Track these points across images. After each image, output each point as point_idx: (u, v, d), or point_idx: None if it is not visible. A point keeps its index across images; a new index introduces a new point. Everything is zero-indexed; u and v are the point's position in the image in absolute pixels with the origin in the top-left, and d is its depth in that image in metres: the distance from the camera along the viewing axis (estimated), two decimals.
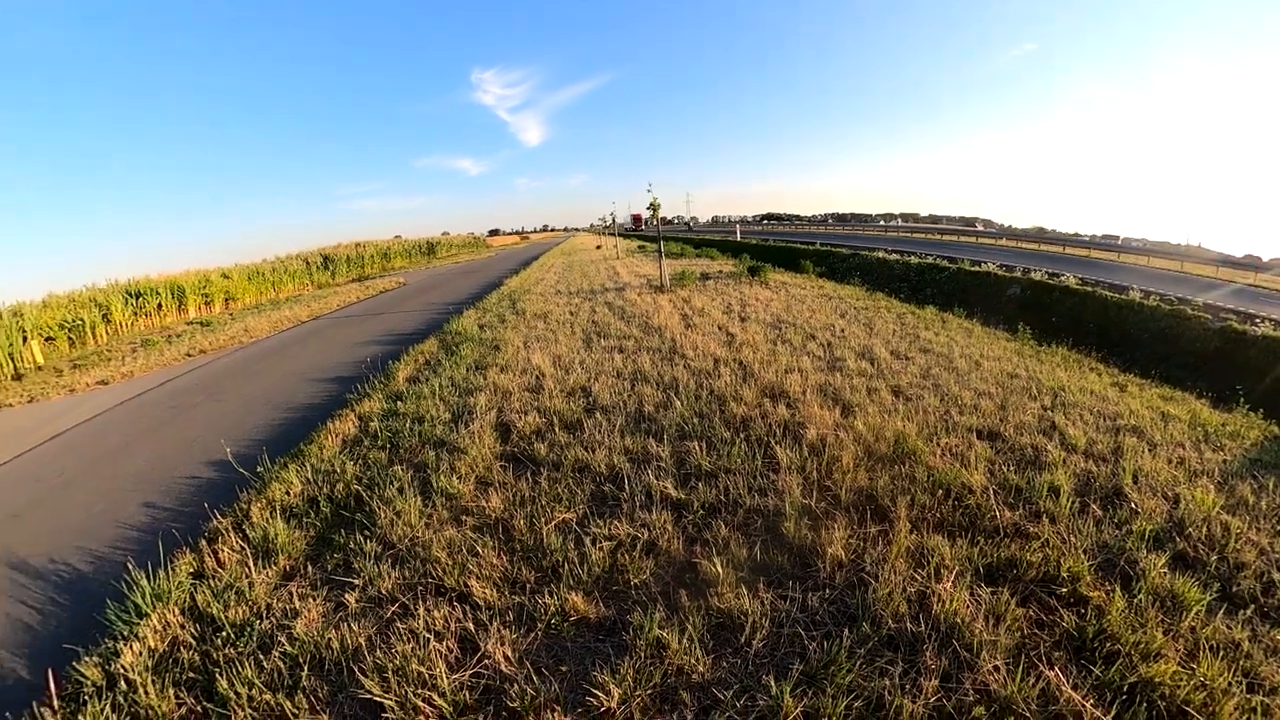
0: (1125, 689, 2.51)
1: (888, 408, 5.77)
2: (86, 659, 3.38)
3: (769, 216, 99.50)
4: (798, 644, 2.84)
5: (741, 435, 5.16)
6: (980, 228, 43.12)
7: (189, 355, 14.25)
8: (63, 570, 4.93)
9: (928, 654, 2.68)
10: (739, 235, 48.29)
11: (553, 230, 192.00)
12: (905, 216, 65.96)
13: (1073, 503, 3.88)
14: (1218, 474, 4.49)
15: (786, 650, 2.82)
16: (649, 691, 2.65)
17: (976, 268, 17.71)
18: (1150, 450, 4.85)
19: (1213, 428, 5.68)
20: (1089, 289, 14.23)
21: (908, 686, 2.55)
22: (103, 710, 2.94)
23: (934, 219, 60.57)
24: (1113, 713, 2.42)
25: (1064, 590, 3.11)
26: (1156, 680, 2.53)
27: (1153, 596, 3.05)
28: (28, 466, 7.75)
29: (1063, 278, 15.41)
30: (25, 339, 15.87)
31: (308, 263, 33.35)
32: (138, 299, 21.33)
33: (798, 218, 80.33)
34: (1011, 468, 4.44)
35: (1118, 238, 30.91)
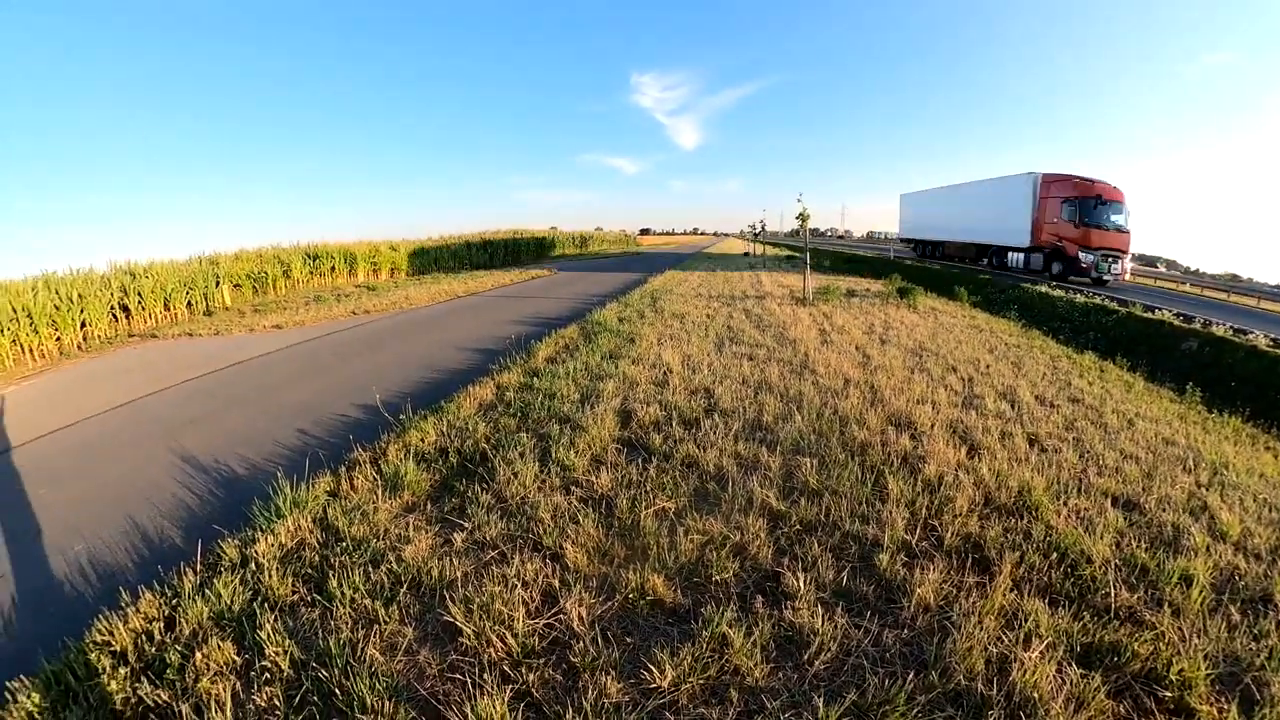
0: None
1: (1019, 455, 5.41)
2: (229, 540, 4.08)
3: None
4: (859, 675, 2.83)
5: (857, 459, 5.08)
6: (1161, 269, 37.98)
7: (354, 313, 16.02)
8: (223, 469, 5.88)
9: None
10: (893, 254, 45.88)
11: (702, 233, 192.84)
12: None
13: (1206, 598, 3.46)
14: None
15: (846, 679, 2.81)
16: (701, 681, 2.76)
17: (1149, 314, 15.72)
18: None
19: None
20: None
21: None
22: (233, 581, 3.53)
23: None
24: None
25: (1168, 694, 2.79)
26: None
27: None
28: (208, 385, 9.20)
29: (1250, 335, 13.30)
30: (218, 283, 18.65)
31: (469, 245, 35.71)
32: (314, 260, 24.09)
33: None
34: (1143, 544, 4.03)
35: None
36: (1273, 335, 13.45)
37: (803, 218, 15.66)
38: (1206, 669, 2.92)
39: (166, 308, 16.74)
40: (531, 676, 2.80)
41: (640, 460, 5.09)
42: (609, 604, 3.32)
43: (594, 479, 4.69)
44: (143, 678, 2.90)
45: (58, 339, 13.19)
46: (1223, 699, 2.82)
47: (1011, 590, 3.44)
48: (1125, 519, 4.40)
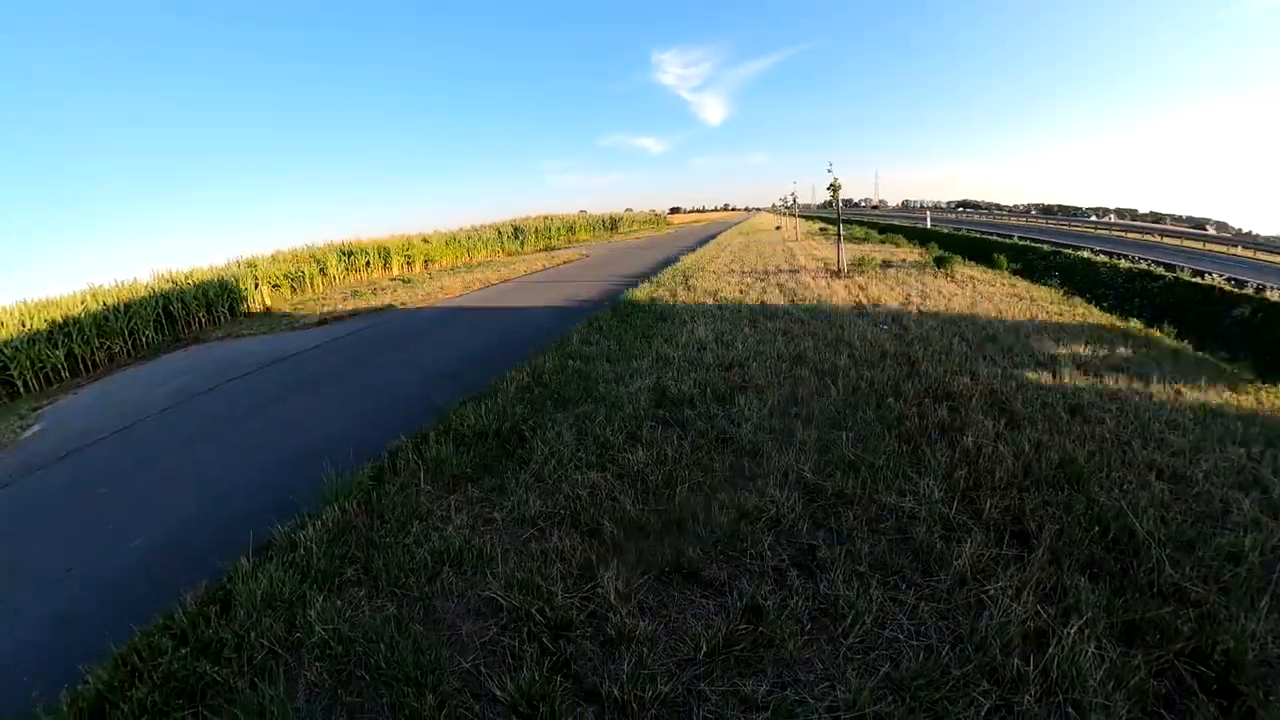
0: None
1: (1060, 426, 5.29)
2: (279, 525, 4.25)
3: (964, 204, 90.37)
4: (893, 649, 2.84)
5: (894, 432, 5.03)
6: (1211, 231, 36.21)
7: (390, 306, 16.36)
8: (269, 459, 6.12)
9: (1028, 698, 2.53)
10: (929, 222, 44.70)
11: (733, 209, 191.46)
12: (1120, 212, 56.96)
13: (1255, 576, 3.36)
14: None
15: (880, 652, 2.83)
16: (736, 653, 2.81)
17: (1198, 279, 15.09)
18: None
19: None
20: None
21: None
22: (283, 564, 3.71)
23: (1155, 217, 51.70)
24: None
25: (1211, 674, 2.71)
26: None
27: None
28: (260, 380, 9.49)
29: None
30: (257, 285, 19.07)
31: (499, 232, 35.88)
32: (349, 257, 24.52)
33: (997, 207, 72.11)
34: (1189, 518, 3.92)
35: None
36: None
37: (834, 188, 15.40)
38: (1253, 650, 2.82)
39: (209, 311, 17.21)
40: (570, 648, 2.88)
41: (675, 436, 5.13)
42: (645, 578, 3.38)
43: (630, 455, 4.75)
44: (202, 658, 3.07)
45: (107, 348, 13.68)
46: (1269, 681, 2.72)
47: (1051, 564, 3.40)
48: (1171, 491, 4.28)
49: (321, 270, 22.72)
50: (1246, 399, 6.98)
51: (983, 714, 2.48)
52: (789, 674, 2.72)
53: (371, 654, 2.95)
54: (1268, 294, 13.24)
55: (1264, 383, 8.32)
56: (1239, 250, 28.71)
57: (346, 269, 24.18)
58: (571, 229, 43.69)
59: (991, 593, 3.15)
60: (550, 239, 40.32)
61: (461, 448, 5.22)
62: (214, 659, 3.05)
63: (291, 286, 21.13)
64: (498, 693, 2.65)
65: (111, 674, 3.03)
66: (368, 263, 25.25)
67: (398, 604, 3.32)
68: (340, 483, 4.68)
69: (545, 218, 41.45)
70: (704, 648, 2.81)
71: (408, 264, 27.62)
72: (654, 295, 12.79)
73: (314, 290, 21.80)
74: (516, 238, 36.89)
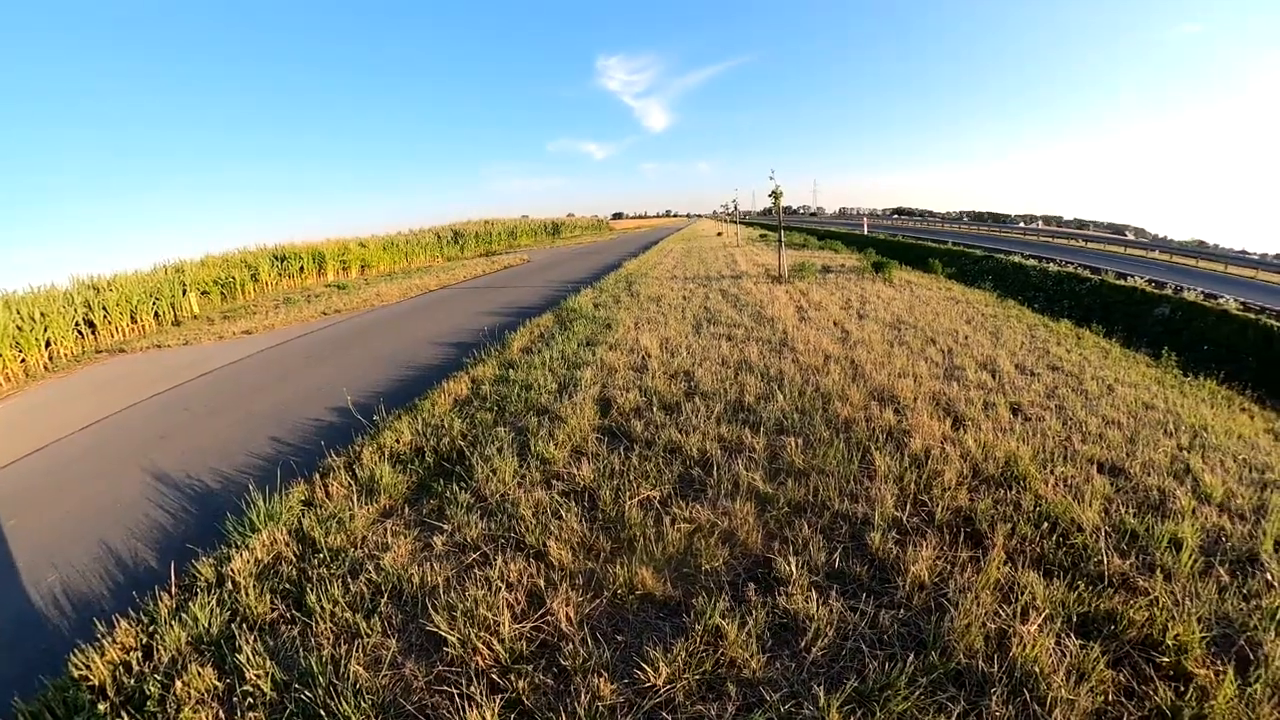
0: None
1: (1003, 425, 5.39)
2: (204, 559, 3.93)
3: (899, 211, 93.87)
4: (858, 660, 2.76)
5: (842, 437, 5.00)
6: (1130, 236, 38.59)
7: (324, 314, 15.70)
8: (195, 485, 5.67)
9: (994, 699, 2.50)
10: (866, 229, 46.14)
11: (675, 215, 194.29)
12: (1047, 219, 60.39)
13: (1195, 561, 3.45)
14: None
15: (845, 664, 2.75)
16: (697, 677, 2.67)
17: (1121, 281, 15.96)
18: None
19: None
20: (1251, 315, 12.42)
21: None
22: (209, 602, 3.40)
23: (1079, 224, 54.98)
24: None
25: (1165, 660, 2.76)
26: None
27: (1272, 689, 2.61)
28: (178, 398, 8.91)
29: (1220, 300, 13.55)
30: (185, 292, 18.16)
31: (439, 236, 35.32)
32: (282, 262, 23.59)
33: (930, 214, 75.05)
34: (1131, 510, 4.02)
35: None
36: (1242, 299, 13.73)
37: (775, 195, 15.61)
38: (1200, 632, 2.89)
39: (133, 320, 16.26)
40: (521, 683, 2.69)
41: (622, 449, 4.98)
42: (597, 602, 3.21)
43: (575, 471, 4.57)
44: (123, 712, 2.77)
45: (22, 360, 12.73)
46: (1218, 661, 2.79)
47: (1005, 563, 3.40)
48: (1112, 485, 4.39)
49: (254, 276, 21.81)
50: (1173, 393, 7.31)
51: (954, 718, 2.42)
52: (753, 694, 2.59)
53: (309, 699, 2.69)
54: (1185, 294, 14.08)
55: (1186, 375, 8.77)
56: (1156, 254, 30.72)
57: (280, 275, 23.28)
58: (513, 234, 43.32)
59: (950, 595, 3.12)
60: (491, 244, 39.83)
61: (397, 466, 4.96)
62: (137, 714, 2.77)
63: (222, 293, 20.22)
64: None
65: None
66: (302, 268, 24.39)
67: (334, 642, 3.06)
68: (268, 510, 4.35)
69: (486, 222, 40.94)
70: (664, 673, 2.66)
71: (343, 269, 26.83)
72: (597, 301, 12.65)
73: (245, 297, 20.89)
74: (456, 243, 36.32)
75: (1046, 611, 3.00)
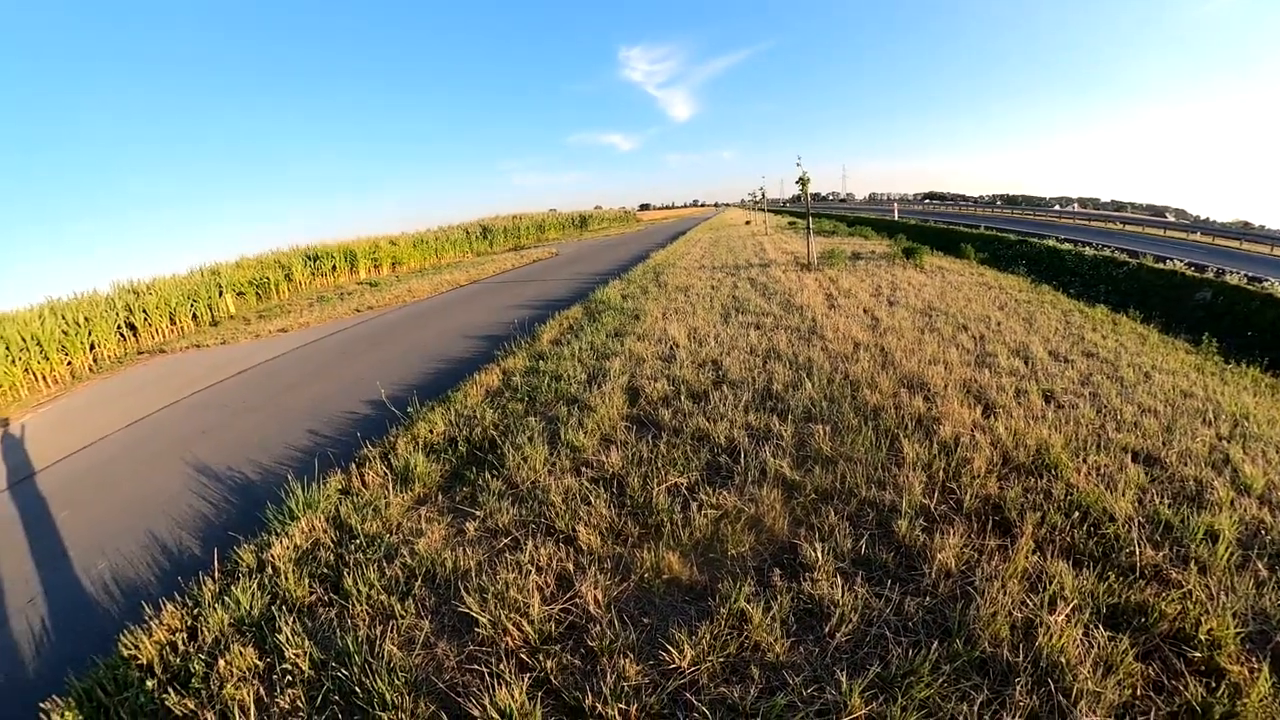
0: None
1: (1035, 413, 5.31)
2: (245, 546, 4.10)
3: (931, 195, 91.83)
4: (881, 646, 2.78)
5: (870, 424, 4.98)
6: (1171, 218, 37.26)
7: (357, 310, 16.03)
8: (236, 477, 5.89)
9: (1018, 688, 2.50)
10: (896, 214, 45.34)
11: (702, 205, 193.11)
12: (1084, 201, 58.72)
13: (1232, 554, 3.37)
14: None
15: (869, 650, 2.77)
16: (721, 660, 2.73)
17: (1160, 265, 15.45)
18: None
19: None
20: None
21: (987, 718, 2.41)
22: (250, 586, 3.55)
23: (1117, 205, 53.31)
24: None
25: (1197, 655, 2.71)
26: None
27: None
28: (217, 395, 9.24)
29: (1266, 284, 13.01)
30: (221, 293, 18.77)
31: (468, 232, 35.66)
32: (315, 261, 24.13)
33: (963, 198, 73.21)
34: (1166, 500, 3.94)
35: None
36: None
37: (803, 182, 15.43)
38: (1235, 628, 2.83)
39: (172, 322, 16.82)
40: (549, 663, 2.78)
41: (650, 436, 5.04)
42: (624, 585, 3.28)
43: (604, 458, 4.65)
44: (169, 688, 2.92)
45: (69, 363, 13.26)
46: (1253, 658, 2.73)
47: (1034, 552, 3.38)
48: (1146, 474, 4.31)
49: (287, 276, 22.35)
50: (1213, 380, 7.10)
51: (975, 709, 2.42)
52: (776, 678, 2.64)
53: (345, 677, 2.81)
54: (1228, 278, 13.60)
55: (1227, 363, 8.50)
56: (1198, 236, 29.62)
57: (312, 274, 23.81)
58: (541, 228, 43.47)
59: (977, 584, 3.11)
60: (519, 238, 40.06)
61: (431, 455, 5.09)
62: (183, 690, 2.91)
63: (257, 293, 20.78)
64: (475, 714, 2.53)
65: (76, 713, 2.90)
66: (334, 267, 24.88)
67: (370, 623, 3.19)
68: (306, 499, 4.52)
69: (514, 217, 41.20)
70: (688, 655, 2.72)
71: (375, 267, 27.28)
72: (625, 293, 12.70)
73: (279, 297, 21.45)
74: (485, 238, 36.62)
75: (1075, 602, 2.97)
